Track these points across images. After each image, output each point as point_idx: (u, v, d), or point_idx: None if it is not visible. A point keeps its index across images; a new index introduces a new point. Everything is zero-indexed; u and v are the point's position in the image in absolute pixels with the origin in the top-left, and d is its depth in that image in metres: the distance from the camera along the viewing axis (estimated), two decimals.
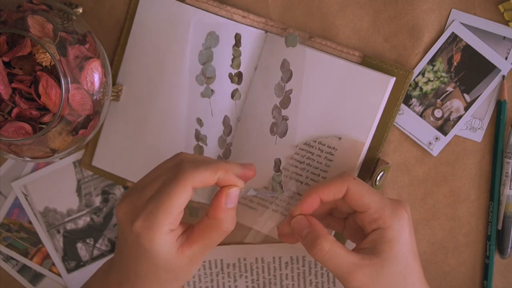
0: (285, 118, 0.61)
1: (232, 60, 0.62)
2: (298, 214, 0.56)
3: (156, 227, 0.50)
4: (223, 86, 0.63)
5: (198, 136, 0.63)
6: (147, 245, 0.50)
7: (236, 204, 0.53)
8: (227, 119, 0.63)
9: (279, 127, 0.62)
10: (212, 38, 0.62)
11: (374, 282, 0.53)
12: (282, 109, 0.62)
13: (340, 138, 0.62)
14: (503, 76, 0.62)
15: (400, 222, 0.54)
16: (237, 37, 0.61)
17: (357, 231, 0.58)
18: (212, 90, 0.62)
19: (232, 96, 0.63)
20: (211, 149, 0.64)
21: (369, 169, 0.63)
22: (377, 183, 0.63)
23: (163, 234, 0.50)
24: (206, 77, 0.62)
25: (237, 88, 0.63)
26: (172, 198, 0.50)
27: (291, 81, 0.62)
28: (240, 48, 0.61)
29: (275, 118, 0.62)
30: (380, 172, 0.62)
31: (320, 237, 0.53)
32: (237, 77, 0.62)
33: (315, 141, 0.62)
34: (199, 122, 0.64)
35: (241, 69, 0.63)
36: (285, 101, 0.62)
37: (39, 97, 0.55)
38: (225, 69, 0.62)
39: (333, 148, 0.62)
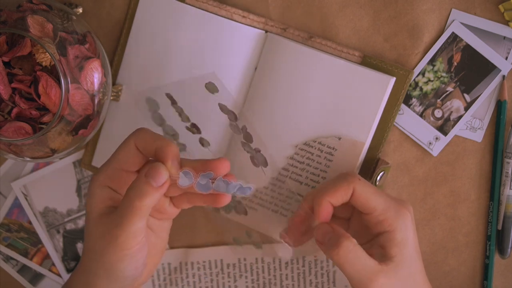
0: (257, 150, 0.61)
1: (180, 116, 0.62)
2: (318, 224, 0.56)
3: (95, 176, 0.51)
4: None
5: (202, 143, 0.63)
6: (88, 194, 0.51)
7: (162, 190, 0.47)
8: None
9: (258, 159, 0.62)
10: (152, 104, 0.62)
11: (391, 287, 0.53)
12: (249, 143, 0.62)
13: (339, 138, 0.62)
14: (503, 76, 0.62)
15: (405, 223, 0.54)
16: (169, 96, 0.61)
17: (362, 231, 0.57)
18: (183, 144, 0.62)
19: (202, 144, 0.63)
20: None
21: (369, 169, 0.63)
22: (377, 183, 0.63)
23: (97, 183, 0.50)
24: (171, 135, 0.63)
25: (201, 137, 0.62)
26: (116, 151, 0.50)
27: (292, 81, 0.62)
28: (178, 104, 0.61)
29: (250, 153, 0.62)
30: (380, 172, 0.62)
31: (343, 237, 0.53)
32: (194, 128, 0.62)
33: (315, 141, 0.62)
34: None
35: (241, 69, 0.63)
36: (247, 136, 0.62)
37: (39, 97, 0.55)
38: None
39: (333, 148, 0.62)
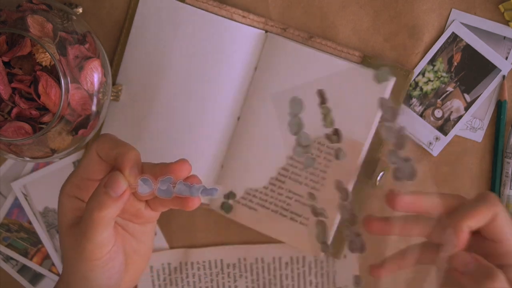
0: (407, 159, 0.51)
1: (324, 119, 0.59)
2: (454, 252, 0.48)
3: (62, 187, 0.50)
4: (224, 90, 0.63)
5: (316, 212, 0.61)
6: (58, 204, 0.50)
7: (122, 200, 0.46)
8: (339, 183, 0.58)
9: (403, 171, 0.52)
10: (296, 105, 0.59)
11: None
12: (398, 150, 0.52)
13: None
14: (503, 76, 0.62)
15: None
16: (321, 93, 0.58)
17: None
18: (312, 159, 0.60)
19: (337, 156, 0.60)
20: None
21: (369, 169, 0.63)
22: (377, 183, 0.63)
23: (64, 194, 0.50)
24: (304, 146, 0.60)
25: (339, 147, 0.60)
26: (81, 160, 0.50)
27: (292, 81, 0.62)
28: (326, 105, 0.58)
29: (395, 163, 0.52)
30: (380, 172, 0.62)
31: (494, 268, 0.46)
32: (336, 136, 0.59)
33: (314, 141, 0.62)
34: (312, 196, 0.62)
35: (241, 69, 0.63)
36: (400, 141, 0.52)
37: (39, 97, 0.55)
38: (317, 127, 0.59)
39: (332, 149, 0.62)
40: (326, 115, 0.59)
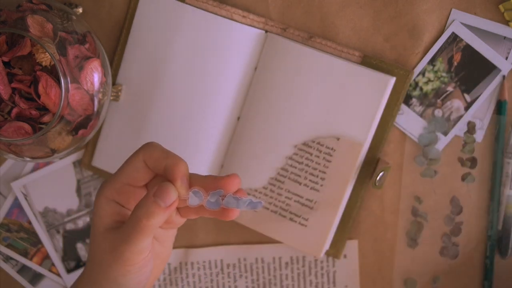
0: (456, 244, 0.64)
1: (464, 146, 0.61)
2: None
3: (101, 190, 0.50)
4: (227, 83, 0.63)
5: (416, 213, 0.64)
6: (94, 207, 0.51)
7: (170, 210, 0.47)
8: (455, 199, 0.63)
9: (450, 251, 0.65)
10: (437, 123, 0.62)
11: None
12: (452, 236, 0.64)
13: (338, 139, 0.61)
14: (503, 76, 0.62)
15: None
16: (470, 125, 0.60)
17: None
18: (435, 171, 0.63)
19: (463, 179, 0.63)
20: None
21: (369, 169, 0.63)
22: (376, 184, 0.63)
23: (103, 197, 0.50)
24: (429, 158, 0.63)
25: (469, 172, 0.62)
26: (124, 165, 0.50)
27: (292, 81, 0.62)
28: (473, 135, 0.61)
29: (445, 243, 0.64)
30: (380, 172, 0.62)
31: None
32: (469, 162, 0.61)
33: (314, 141, 0.62)
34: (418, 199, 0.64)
35: (241, 69, 0.63)
36: (455, 230, 0.64)
37: (39, 97, 0.55)
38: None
39: (332, 149, 0.62)
40: (468, 143, 0.62)
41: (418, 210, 0.65)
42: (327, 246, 0.64)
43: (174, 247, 0.68)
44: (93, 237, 0.51)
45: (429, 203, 0.65)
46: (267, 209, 0.64)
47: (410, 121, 0.63)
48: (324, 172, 0.62)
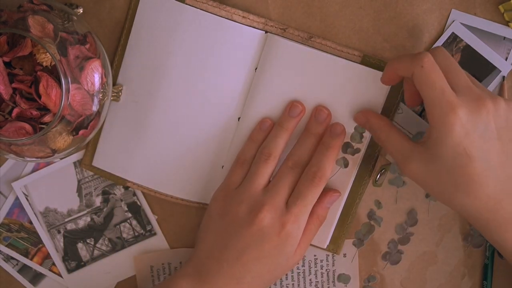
0: (400, 252, 0.66)
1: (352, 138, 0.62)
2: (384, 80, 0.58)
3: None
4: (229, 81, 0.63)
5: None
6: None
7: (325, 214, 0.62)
8: (413, 212, 0.65)
9: (392, 257, 0.67)
10: None
11: (423, 173, 0.54)
12: (399, 244, 0.66)
13: None
14: (503, 77, 0.62)
15: (445, 126, 0.52)
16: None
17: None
18: (403, 182, 0.65)
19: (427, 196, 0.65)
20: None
21: (368, 166, 0.63)
22: (377, 181, 0.63)
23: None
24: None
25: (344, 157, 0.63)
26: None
27: (293, 81, 0.62)
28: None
29: (390, 249, 0.66)
30: (380, 170, 0.62)
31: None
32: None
33: None
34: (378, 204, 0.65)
35: (241, 70, 0.63)
36: (404, 240, 0.66)
37: (40, 97, 0.56)
38: None
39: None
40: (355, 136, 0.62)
41: (375, 214, 0.65)
42: (330, 236, 0.65)
43: (174, 247, 0.68)
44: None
45: (388, 210, 0.65)
46: None
47: (409, 121, 0.63)
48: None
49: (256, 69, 0.63)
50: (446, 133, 0.52)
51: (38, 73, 0.55)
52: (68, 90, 0.55)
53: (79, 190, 0.68)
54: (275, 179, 0.60)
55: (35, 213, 0.68)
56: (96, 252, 0.69)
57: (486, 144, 0.52)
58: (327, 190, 0.61)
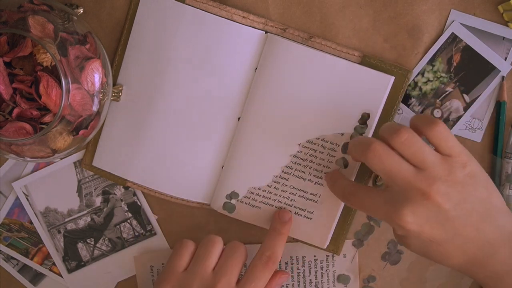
0: (400, 252, 0.66)
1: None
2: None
3: None
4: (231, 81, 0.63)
5: None
6: None
7: None
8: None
9: (392, 257, 0.67)
10: None
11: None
12: (399, 244, 0.66)
13: (342, 134, 0.62)
14: (503, 77, 0.62)
15: (400, 230, 0.54)
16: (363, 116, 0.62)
17: None
18: None
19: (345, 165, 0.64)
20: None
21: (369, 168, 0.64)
22: (377, 182, 0.63)
23: None
24: None
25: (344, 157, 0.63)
26: None
27: (293, 81, 0.62)
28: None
29: (389, 249, 0.66)
30: None
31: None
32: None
33: (318, 138, 0.62)
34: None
35: (241, 70, 0.63)
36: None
37: (40, 97, 0.56)
38: None
39: (336, 144, 0.62)
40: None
41: None
42: (330, 236, 0.65)
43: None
44: None
45: None
46: (272, 206, 0.64)
47: (409, 121, 0.63)
48: (328, 167, 0.62)
49: (256, 69, 0.63)
50: (404, 232, 0.54)
51: (39, 73, 0.55)
52: (68, 90, 0.55)
53: (79, 190, 0.68)
54: (222, 259, 0.61)
55: (35, 213, 0.68)
56: (96, 252, 0.69)
57: (446, 224, 0.54)
58: (276, 272, 0.62)
